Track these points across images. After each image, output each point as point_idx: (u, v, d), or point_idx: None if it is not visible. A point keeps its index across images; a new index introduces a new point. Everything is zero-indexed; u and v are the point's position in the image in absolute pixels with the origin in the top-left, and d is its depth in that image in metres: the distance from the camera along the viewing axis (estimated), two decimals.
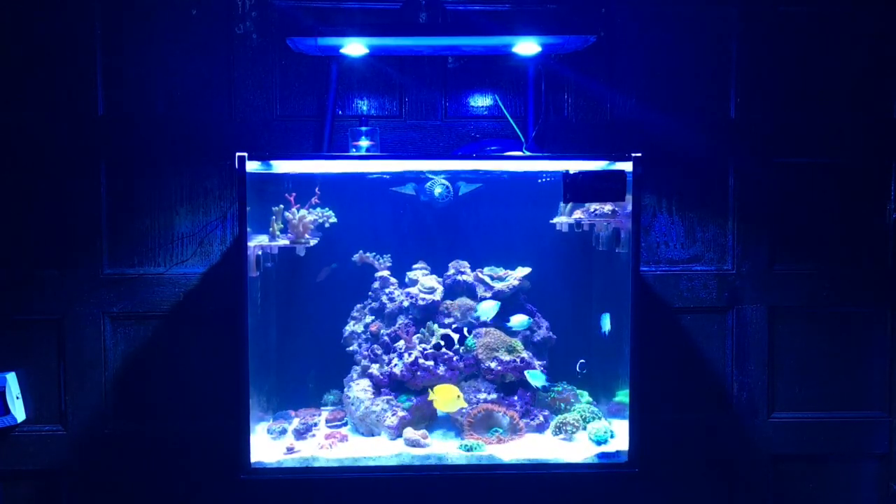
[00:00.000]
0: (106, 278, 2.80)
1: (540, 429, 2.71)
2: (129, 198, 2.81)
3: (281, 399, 2.93)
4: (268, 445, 2.62)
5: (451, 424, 2.74)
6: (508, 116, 2.87)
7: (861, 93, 2.91)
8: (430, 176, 2.85)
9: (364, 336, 2.90)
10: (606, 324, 2.74)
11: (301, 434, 2.69)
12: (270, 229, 2.70)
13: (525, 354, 2.75)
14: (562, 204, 2.86)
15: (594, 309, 2.95)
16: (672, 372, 2.92)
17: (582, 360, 2.87)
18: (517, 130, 2.87)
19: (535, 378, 2.70)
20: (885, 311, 2.95)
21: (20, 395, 2.78)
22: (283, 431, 2.70)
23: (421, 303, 2.84)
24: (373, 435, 2.70)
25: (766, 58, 2.88)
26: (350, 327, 2.94)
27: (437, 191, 2.84)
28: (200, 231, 2.84)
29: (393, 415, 2.66)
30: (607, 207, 2.66)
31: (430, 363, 2.71)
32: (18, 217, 2.77)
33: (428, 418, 2.73)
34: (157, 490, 2.85)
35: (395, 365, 2.73)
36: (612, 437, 2.61)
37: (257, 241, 2.62)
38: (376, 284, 2.96)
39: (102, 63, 2.77)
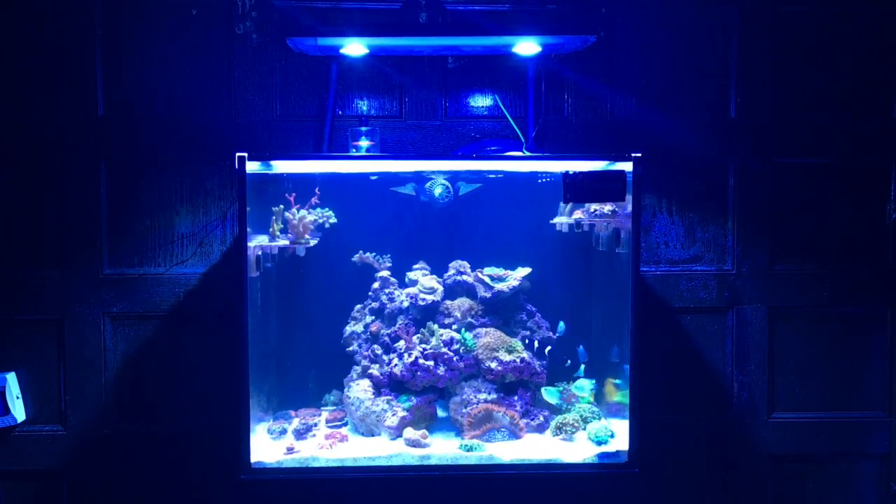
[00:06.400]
0: (106, 278, 2.81)
1: (540, 429, 2.71)
2: (129, 198, 2.81)
3: (281, 399, 2.93)
4: (268, 445, 2.62)
5: (451, 424, 2.74)
6: (508, 116, 2.87)
7: (861, 93, 2.91)
8: (431, 176, 2.85)
9: (364, 336, 2.90)
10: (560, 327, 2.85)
11: (301, 434, 2.69)
12: (270, 229, 2.70)
13: (525, 354, 2.75)
14: (562, 204, 2.86)
15: (594, 309, 2.96)
16: (672, 372, 2.92)
17: (570, 359, 2.89)
18: (517, 130, 2.87)
19: (551, 395, 2.71)
20: (886, 312, 2.95)
21: (20, 395, 2.78)
22: (283, 431, 2.70)
23: (421, 303, 2.85)
24: (373, 435, 2.70)
25: (766, 58, 2.88)
26: (350, 327, 2.94)
27: (437, 191, 2.84)
28: (200, 231, 2.84)
29: (393, 415, 2.66)
30: (607, 207, 2.66)
31: (430, 363, 2.71)
32: (19, 217, 2.77)
33: (428, 418, 2.73)
34: (157, 490, 2.85)
35: (395, 365, 2.73)
36: (612, 437, 2.61)
37: (257, 241, 2.62)
38: (376, 285, 2.96)
39: (102, 63, 2.78)
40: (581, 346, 2.86)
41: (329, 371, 2.94)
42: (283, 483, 2.76)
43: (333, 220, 2.84)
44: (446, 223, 2.97)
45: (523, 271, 2.89)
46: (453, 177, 2.86)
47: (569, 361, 2.83)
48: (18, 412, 2.77)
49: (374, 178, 2.87)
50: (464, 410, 2.68)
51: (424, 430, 2.63)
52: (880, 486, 2.99)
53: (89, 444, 2.83)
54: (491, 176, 2.89)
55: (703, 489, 2.95)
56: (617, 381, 2.82)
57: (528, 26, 2.72)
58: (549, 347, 2.82)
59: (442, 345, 2.74)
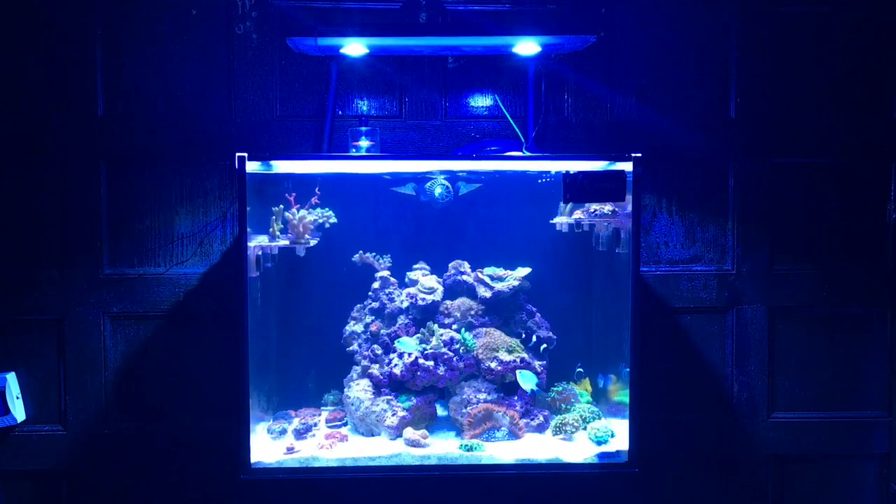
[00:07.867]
0: (106, 278, 2.81)
1: (540, 429, 2.71)
2: (129, 198, 2.81)
3: (281, 399, 2.93)
4: (268, 445, 2.62)
5: (451, 424, 2.74)
6: (508, 116, 2.87)
7: (861, 93, 2.91)
8: (431, 176, 2.85)
9: (364, 336, 2.90)
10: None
11: (301, 434, 2.69)
12: (270, 229, 2.70)
13: (525, 355, 2.75)
14: (562, 204, 2.86)
15: (594, 309, 2.96)
16: (672, 372, 2.92)
17: (580, 370, 2.90)
18: (517, 130, 2.87)
19: (527, 379, 2.68)
20: (885, 311, 2.95)
21: (20, 395, 2.78)
22: (283, 431, 2.70)
23: (421, 303, 2.85)
24: (373, 435, 2.70)
25: (766, 58, 2.88)
26: (350, 327, 2.94)
27: (437, 191, 2.84)
28: (200, 231, 2.84)
29: (393, 415, 2.66)
30: (607, 207, 2.66)
31: (430, 363, 2.71)
32: (18, 217, 2.77)
33: (428, 418, 2.73)
34: (157, 490, 2.85)
35: (395, 365, 2.73)
36: (612, 436, 2.61)
37: (257, 242, 2.62)
38: (376, 284, 2.96)
39: (102, 63, 2.77)
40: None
41: (329, 371, 2.94)
42: (283, 483, 2.75)
43: (333, 220, 2.84)
44: (446, 223, 2.97)
45: (523, 271, 2.89)
46: (453, 177, 2.86)
47: (580, 369, 2.89)
48: (18, 412, 2.77)
49: (387, 177, 2.87)
50: (464, 410, 2.68)
51: (424, 430, 2.64)
52: (880, 486, 2.99)
53: (89, 444, 2.83)
54: (484, 176, 2.89)
55: (703, 489, 2.95)
56: (624, 370, 2.82)
57: (528, 26, 2.72)
58: (544, 345, 2.81)
59: (442, 345, 2.74)
